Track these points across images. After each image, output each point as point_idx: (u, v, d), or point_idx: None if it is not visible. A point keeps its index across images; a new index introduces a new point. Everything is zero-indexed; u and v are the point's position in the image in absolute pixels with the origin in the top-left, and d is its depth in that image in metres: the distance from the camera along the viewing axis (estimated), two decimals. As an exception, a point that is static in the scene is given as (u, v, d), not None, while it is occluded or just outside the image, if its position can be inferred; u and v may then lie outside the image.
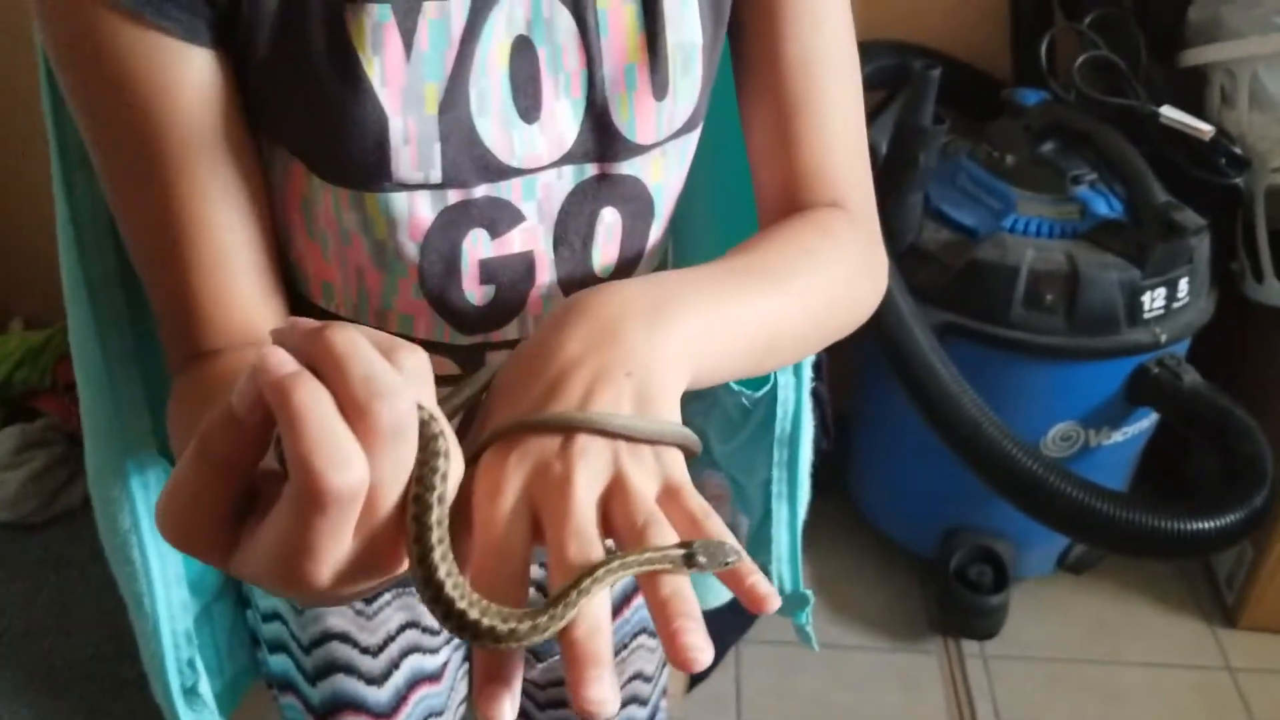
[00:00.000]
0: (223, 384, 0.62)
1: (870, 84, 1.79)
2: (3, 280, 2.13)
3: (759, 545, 1.02)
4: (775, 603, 0.48)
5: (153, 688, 0.88)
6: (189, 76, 0.62)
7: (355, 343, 0.41)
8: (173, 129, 0.62)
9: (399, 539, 0.44)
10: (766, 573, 1.03)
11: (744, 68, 0.75)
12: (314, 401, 0.39)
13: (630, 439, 0.51)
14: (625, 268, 0.77)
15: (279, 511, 0.41)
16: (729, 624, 1.86)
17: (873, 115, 1.86)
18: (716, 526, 0.50)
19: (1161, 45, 1.80)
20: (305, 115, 0.64)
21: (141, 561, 0.82)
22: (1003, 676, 1.90)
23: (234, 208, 0.66)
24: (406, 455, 0.42)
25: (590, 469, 0.49)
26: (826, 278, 0.69)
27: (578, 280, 0.75)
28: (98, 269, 0.77)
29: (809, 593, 1.01)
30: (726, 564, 0.48)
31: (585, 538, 0.47)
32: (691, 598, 0.46)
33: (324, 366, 0.40)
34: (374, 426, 0.40)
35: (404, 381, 0.41)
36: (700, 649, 0.44)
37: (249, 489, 0.44)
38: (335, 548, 0.41)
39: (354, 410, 0.40)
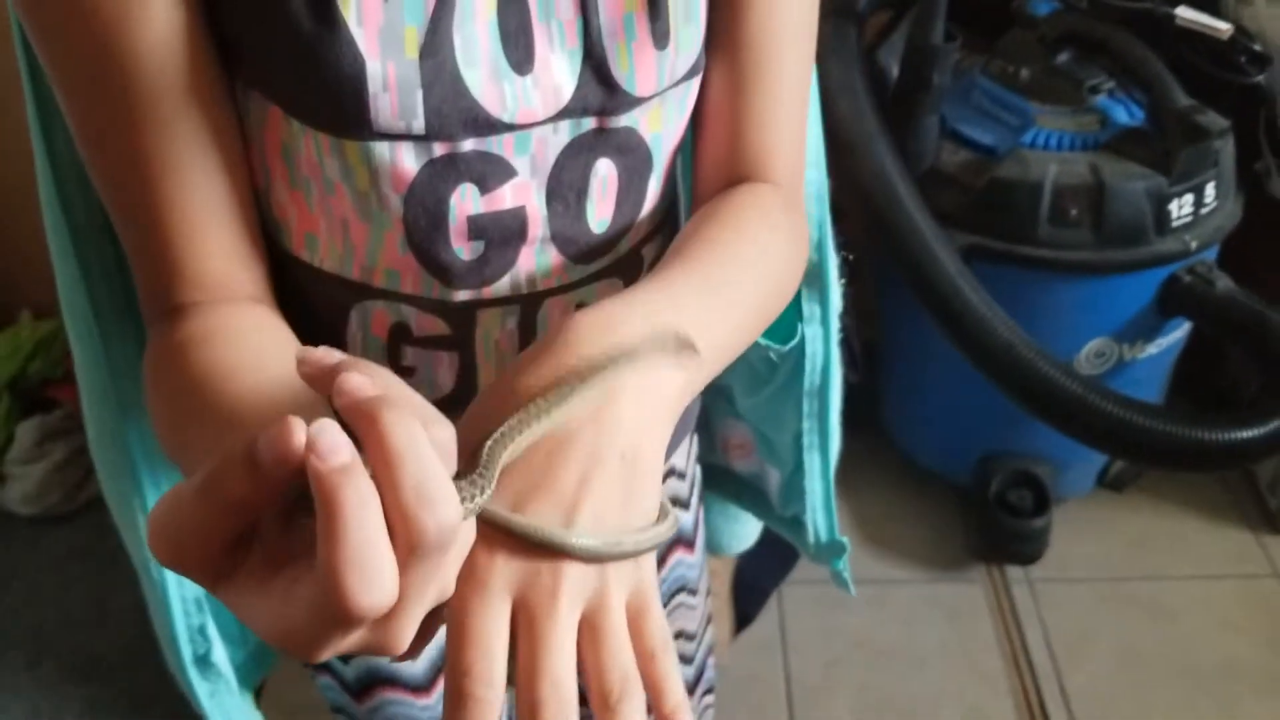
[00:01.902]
0: (200, 348, 0.60)
1: (877, 5, 1.74)
2: (9, 272, 2.10)
3: (792, 496, 1.00)
4: None
5: (165, 657, 0.86)
6: (151, 13, 0.58)
7: (414, 440, 0.39)
8: (136, 67, 0.59)
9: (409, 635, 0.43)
10: (801, 523, 1.01)
11: (710, 54, 0.73)
12: (360, 506, 0.37)
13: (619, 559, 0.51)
14: (622, 222, 0.73)
15: (294, 594, 0.39)
16: (769, 569, 1.84)
17: (881, 37, 1.82)
18: (665, 666, 0.50)
19: (1173, -56, 1.75)
20: (281, 59, 0.61)
21: (145, 525, 0.79)
22: (1049, 600, 1.88)
23: (204, 154, 0.63)
24: (441, 565, 0.40)
25: (575, 589, 0.49)
26: (775, 274, 0.70)
27: (571, 236, 0.71)
28: (83, 217, 0.73)
29: (845, 540, 1.00)
30: None
31: (558, 679, 0.47)
32: None
33: (376, 458, 0.38)
34: (417, 539, 0.39)
35: (450, 488, 0.40)
36: None
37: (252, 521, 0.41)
38: (341, 643, 0.40)
39: (399, 516, 0.38)
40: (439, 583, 0.41)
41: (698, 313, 0.59)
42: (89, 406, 0.79)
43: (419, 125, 0.62)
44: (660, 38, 0.65)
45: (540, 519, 0.49)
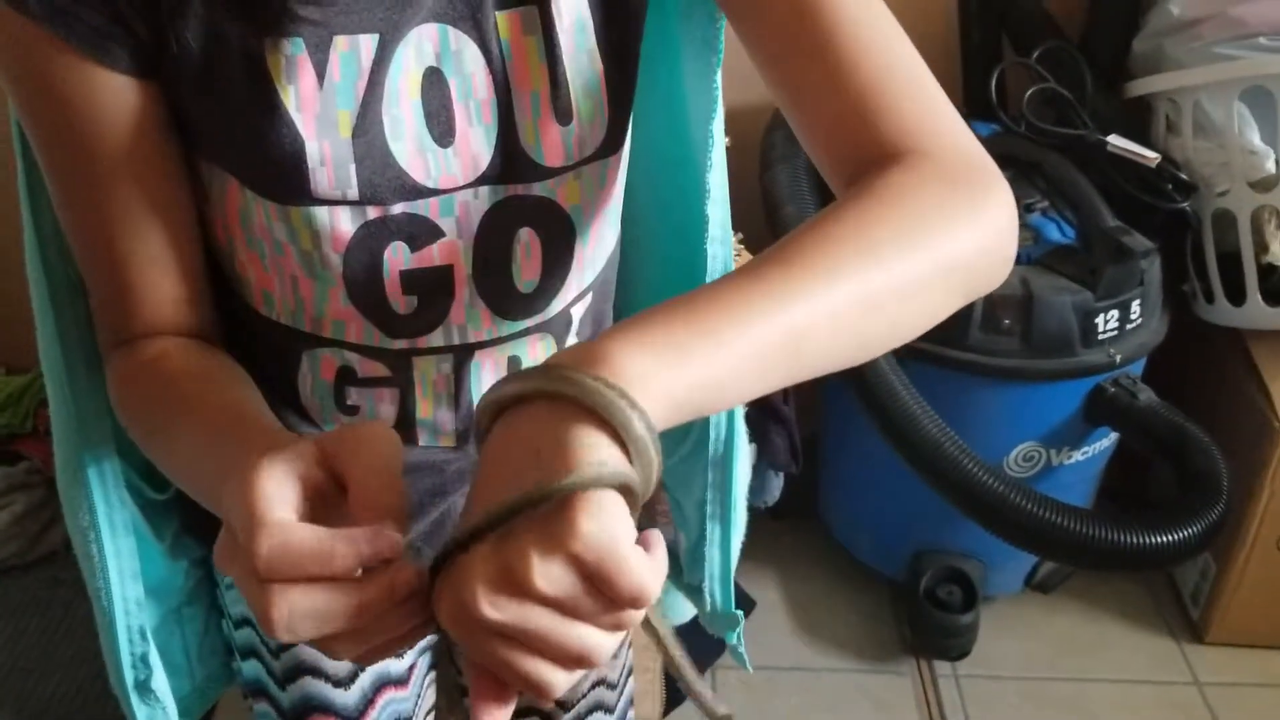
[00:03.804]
0: (166, 359, 0.73)
1: (829, 119, 1.83)
2: (-16, 328, 2.15)
3: (695, 564, 1.04)
4: None
5: (110, 680, 0.91)
6: (109, 100, 0.68)
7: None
8: (98, 147, 0.69)
9: None
10: (699, 590, 1.05)
11: (753, 47, 0.69)
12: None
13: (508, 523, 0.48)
14: (549, 284, 0.81)
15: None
16: (701, 650, 1.89)
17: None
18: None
19: (1107, 77, 1.86)
20: (232, 138, 0.70)
21: (99, 557, 0.85)
22: (975, 695, 1.93)
23: (158, 217, 0.73)
24: None
25: (480, 577, 0.48)
26: (867, 248, 0.58)
27: (498, 294, 0.79)
28: (61, 278, 0.82)
29: (739, 613, 1.04)
30: None
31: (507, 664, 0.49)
32: None
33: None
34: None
35: None
36: None
37: None
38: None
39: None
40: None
41: (670, 319, 0.53)
42: (58, 444, 0.85)
43: (353, 193, 0.71)
44: (562, 114, 0.74)
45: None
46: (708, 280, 0.89)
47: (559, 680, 0.50)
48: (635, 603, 0.48)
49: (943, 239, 0.61)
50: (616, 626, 0.49)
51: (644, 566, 0.48)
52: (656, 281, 0.97)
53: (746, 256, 1.67)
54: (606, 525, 0.46)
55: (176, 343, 0.75)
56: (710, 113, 0.85)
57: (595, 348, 0.51)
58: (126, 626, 0.88)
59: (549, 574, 0.46)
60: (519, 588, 0.47)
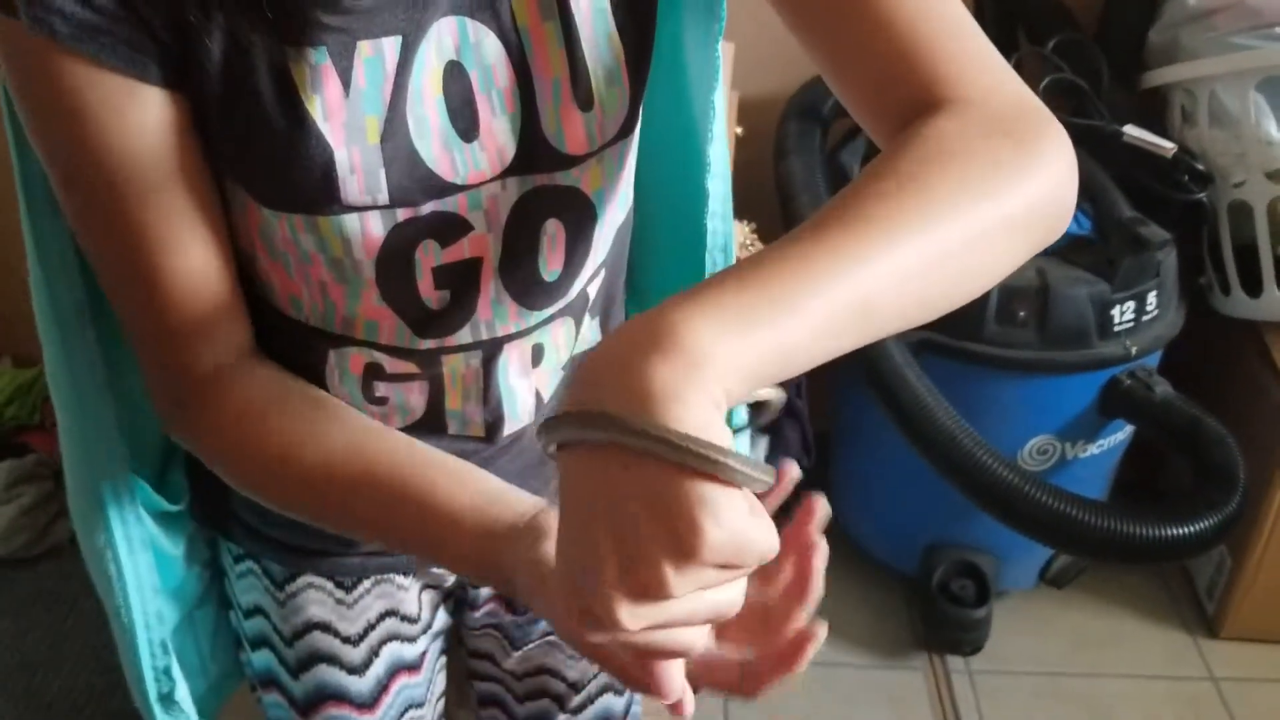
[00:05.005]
0: (263, 420, 0.74)
1: (842, 112, 1.82)
2: (-7, 323, 2.15)
3: None
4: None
5: (132, 694, 0.90)
6: (142, 115, 0.65)
7: None
8: (132, 164, 0.66)
9: None
10: None
11: (786, 6, 0.67)
12: None
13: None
14: (571, 271, 0.80)
15: None
16: (716, 643, 1.88)
17: (843, 142, 1.90)
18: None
19: (1123, 67, 1.85)
20: (257, 151, 0.68)
21: (117, 575, 0.84)
22: (988, 690, 1.92)
23: (195, 225, 0.70)
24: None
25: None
26: (927, 202, 0.56)
27: (525, 285, 0.78)
28: (67, 304, 0.80)
29: None
30: None
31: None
32: None
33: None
34: None
35: None
36: None
37: None
38: None
39: None
40: None
41: (744, 290, 0.51)
42: (69, 468, 0.84)
43: (384, 197, 0.69)
44: (584, 101, 0.72)
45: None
46: (707, 255, 0.91)
47: (699, 641, 0.53)
48: (763, 563, 0.49)
49: (998, 189, 0.59)
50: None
51: (768, 535, 0.49)
52: (658, 255, 0.96)
53: (759, 246, 1.66)
54: (730, 523, 0.47)
55: (262, 395, 0.75)
56: (712, 83, 0.84)
57: (660, 322, 0.49)
58: (148, 641, 0.87)
59: (685, 582, 0.48)
60: (657, 597, 0.48)
